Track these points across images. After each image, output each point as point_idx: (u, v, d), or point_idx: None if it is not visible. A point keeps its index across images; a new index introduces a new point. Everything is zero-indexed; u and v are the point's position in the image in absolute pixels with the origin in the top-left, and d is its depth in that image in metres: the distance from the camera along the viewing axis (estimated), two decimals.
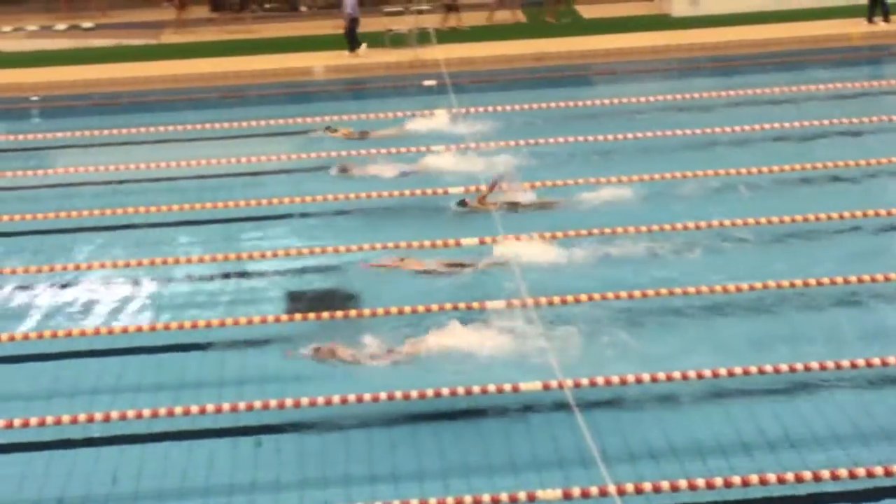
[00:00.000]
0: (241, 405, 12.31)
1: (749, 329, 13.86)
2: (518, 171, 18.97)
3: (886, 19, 29.71)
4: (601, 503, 10.44)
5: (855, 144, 20.39)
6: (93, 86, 27.65)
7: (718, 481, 10.66)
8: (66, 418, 12.22)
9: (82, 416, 12.25)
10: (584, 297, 14.44)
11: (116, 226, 18.01)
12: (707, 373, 12.49)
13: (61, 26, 33.58)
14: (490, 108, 23.32)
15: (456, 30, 31.57)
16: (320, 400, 12.27)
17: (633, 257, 15.85)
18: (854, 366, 12.55)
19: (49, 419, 12.18)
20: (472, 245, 16.25)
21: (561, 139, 21.11)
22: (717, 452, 11.32)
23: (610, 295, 14.45)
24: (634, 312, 14.19)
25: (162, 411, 12.25)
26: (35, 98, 26.95)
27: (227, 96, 26.36)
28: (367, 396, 12.28)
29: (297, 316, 14.39)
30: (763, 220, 16.65)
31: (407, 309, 14.24)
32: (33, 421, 12.18)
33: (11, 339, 14.19)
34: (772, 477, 10.67)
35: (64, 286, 15.87)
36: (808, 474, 10.69)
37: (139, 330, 14.34)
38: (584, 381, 12.35)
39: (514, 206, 17.70)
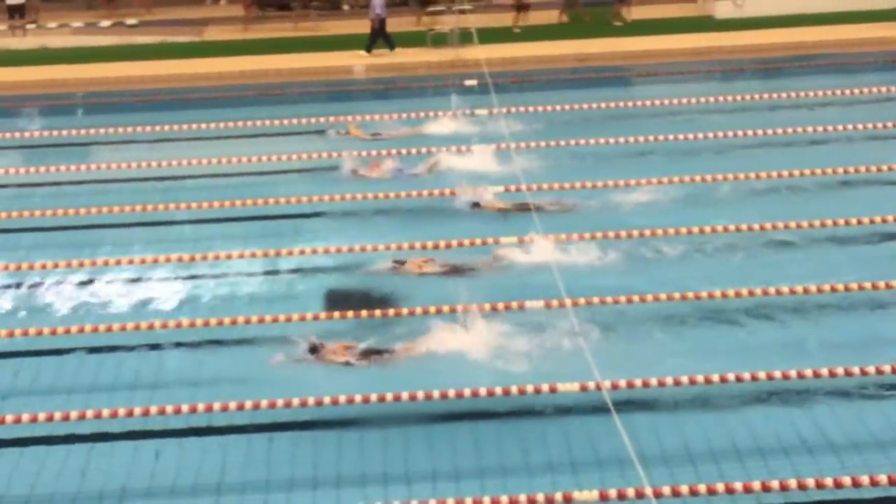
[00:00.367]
0: (280, 402, 12.34)
1: (787, 333, 13.77)
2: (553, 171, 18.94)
3: None
4: None
5: None
6: (136, 82, 27.82)
7: (756, 485, 10.60)
8: (89, 413, 12.22)
9: (106, 412, 12.27)
10: (622, 298, 14.42)
11: (157, 222, 18.12)
12: (746, 376, 12.42)
13: (106, 23, 33.81)
14: (531, 108, 23.30)
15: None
16: (357, 398, 12.29)
17: (672, 259, 15.81)
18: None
19: (87, 413, 12.24)
20: (511, 244, 16.25)
21: (602, 140, 21.08)
22: (755, 455, 11.26)
23: (649, 297, 14.43)
24: (672, 314, 14.16)
25: (200, 407, 12.32)
26: (80, 94, 27.15)
27: (267, 93, 26.44)
28: (404, 395, 12.32)
29: (336, 314, 14.42)
30: (805, 223, 16.56)
31: (445, 308, 14.24)
32: (57, 416, 12.20)
33: (53, 332, 14.22)
34: (810, 482, 10.60)
35: (108, 281, 15.94)
36: (847, 479, 10.60)
37: (178, 326, 14.40)
38: (622, 383, 12.33)
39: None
